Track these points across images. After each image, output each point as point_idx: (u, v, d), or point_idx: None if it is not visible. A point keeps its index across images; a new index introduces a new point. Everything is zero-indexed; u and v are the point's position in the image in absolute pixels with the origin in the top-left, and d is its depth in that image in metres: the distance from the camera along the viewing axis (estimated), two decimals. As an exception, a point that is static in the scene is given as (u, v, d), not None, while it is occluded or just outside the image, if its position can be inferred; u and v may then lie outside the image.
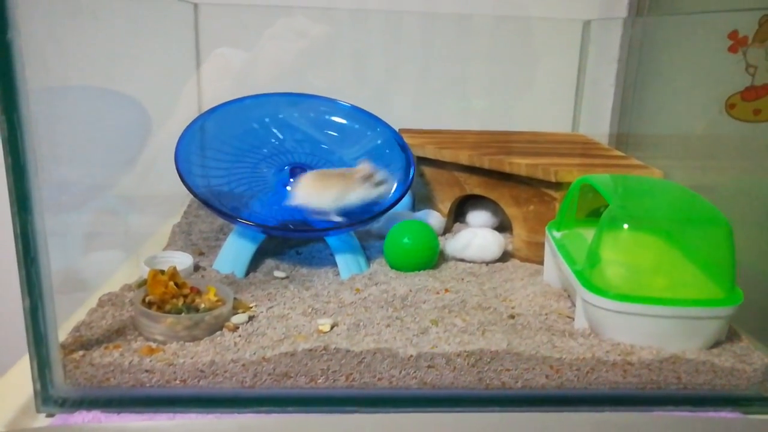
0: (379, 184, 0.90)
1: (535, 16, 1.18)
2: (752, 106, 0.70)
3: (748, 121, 0.72)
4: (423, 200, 1.12)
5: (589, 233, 0.76)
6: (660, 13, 1.11)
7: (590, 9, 1.21)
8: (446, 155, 1.04)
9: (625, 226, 0.71)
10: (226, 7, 1.10)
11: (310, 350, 0.65)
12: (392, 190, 0.93)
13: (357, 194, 0.89)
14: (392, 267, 0.91)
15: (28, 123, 0.57)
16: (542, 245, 0.90)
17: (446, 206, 1.08)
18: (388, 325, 0.72)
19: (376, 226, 1.03)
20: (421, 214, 1.06)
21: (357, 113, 1.07)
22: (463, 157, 1.01)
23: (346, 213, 0.92)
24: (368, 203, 0.90)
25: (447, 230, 1.08)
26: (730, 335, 0.73)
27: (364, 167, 0.89)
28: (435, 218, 1.06)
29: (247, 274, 0.88)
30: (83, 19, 0.84)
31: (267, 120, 1.05)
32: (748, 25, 0.68)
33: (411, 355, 0.65)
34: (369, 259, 0.94)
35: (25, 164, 0.57)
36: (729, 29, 0.71)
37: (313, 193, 0.89)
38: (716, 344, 0.71)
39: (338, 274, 0.88)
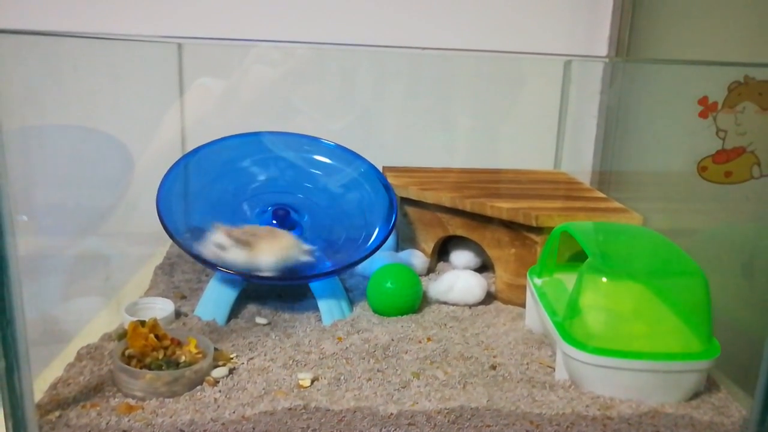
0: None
1: (517, 56, 1.19)
2: (723, 169, 0.72)
3: (719, 182, 0.74)
4: (407, 240, 1.12)
5: (569, 280, 0.77)
6: (638, 59, 1.13)
7: (571, 49, 1.23)
8: (429, 197, 1.04)
9: (604, 279, 0.71)
10: (210, 47, 1.10)
11: (290, 409, 0.65)
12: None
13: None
14: (375, 311, 0.91)
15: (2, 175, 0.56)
16: (524, 288, 0.91)
17: (430, 246, 1.08)
18: (369, 379, 0.72)
19: (360, 266, 1.03)
20: (404, 254, 1.07)
21: (341, 152, 1.07)
22: (446, 199, 1.02)
23: (332, 256, 0.92)
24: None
25: (431, 270, 1.08)
26: (708, 386, 0.73)
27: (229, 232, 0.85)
28: (418, 258, 1.06)
29: (228, 320, 0.87)
30: (65, 68, 0.84)
31: (250, 160, 1.05)
32: (717, 89, 0.70)
33: (391, 413, 0.65)
34: (352, 302, 0.94)
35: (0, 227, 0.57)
36: (701, 81, 0.73)
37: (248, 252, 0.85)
38: (695, 396, 0.72)
39: (321, 319, 0.88)
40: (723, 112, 0.69)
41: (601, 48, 1.24)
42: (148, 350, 0.72)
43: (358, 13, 1.21)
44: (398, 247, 1.12)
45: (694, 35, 0.99)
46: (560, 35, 1.25)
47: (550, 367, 0.77)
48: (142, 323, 0.74)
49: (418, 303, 0.92)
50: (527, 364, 0.78)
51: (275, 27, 1.20)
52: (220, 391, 0.69)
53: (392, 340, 0.81)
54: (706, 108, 0.70)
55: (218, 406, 0.66)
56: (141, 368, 0.69)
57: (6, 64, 0.56)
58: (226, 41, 1.02)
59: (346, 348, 0.79)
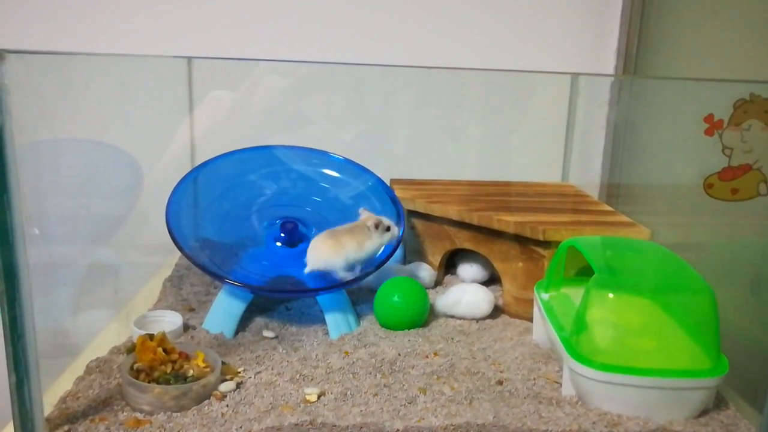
0: (387, 229, 0.93)
1: (525, 70, 1.19)
2: (729, 186, 0.72)
3: (725, 200, 0.74)
4: (414, 253, 1.12)
5: (576, 294, 0.77)
6: (643, 76, 1.13)
7: (580, 62, 1.23)
8: (436, 210, 1.04)
9: (611, 294, 0.71)
10: (219, 61, 1.11)
11: (297, 424, 0.65)
12: (397, 234, 0.95)
13: (372, 243, 0.91)
14: (382, 325, 0.91)
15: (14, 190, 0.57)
16: (531, 302, 0.91)
17: (437, 259, 1.08)
18: (376, 394, 0.72)
19: (367, 279, 1.03)
20: (412, 267, 1.07)
21: (349, 166, 1.08)
22: (453, 213, 1.02)
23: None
24: (380, 250, 0.93)
25: (438, 283, 1.08)
26: (717, 402, 0.73)
27: (369, 216, 0.93)
28: (426, 271, 1.06)
29: (236, 333, 0.88)
30: (77, 85, 0.86)
31: (259, 173, 1.06)
32: (723, 106, 0.70)
33: (397, 429, 0.65)
34: (359, 316, 0.94)
35: (12, 243, 0.58)
36: (707, 97, 0.73)
37: (330, 253, 0.88)
38: (703, 413, 0.71)
39: (328, 332, 0.88)
40: (729, 130, 0.70)
41: (609, 61, 1.24)
42: (157, 364, 0.72)
43: (368, 28, 1.22)
44: (405, 260, 1.12)
45: (701, 49, 0.99)
46: (569, 48, 1.25)
47: (557, 382, 0.77)
48: (151, 337, 0.75)
49: (425, 317, 0.92)
50: (534, 379, 0.77)
51: (285, 43, 1.21)
52: (227, 406, 0.69)
53: (399, 354, 0.81)
54: (712, 125, 0.70)
55: (225, 421, 0.67)
56: (149, 382, 0.70)
57: (21, 82, 0.57)
58: (235, 60, 1.03)
59: (353, 362, 0.79)
